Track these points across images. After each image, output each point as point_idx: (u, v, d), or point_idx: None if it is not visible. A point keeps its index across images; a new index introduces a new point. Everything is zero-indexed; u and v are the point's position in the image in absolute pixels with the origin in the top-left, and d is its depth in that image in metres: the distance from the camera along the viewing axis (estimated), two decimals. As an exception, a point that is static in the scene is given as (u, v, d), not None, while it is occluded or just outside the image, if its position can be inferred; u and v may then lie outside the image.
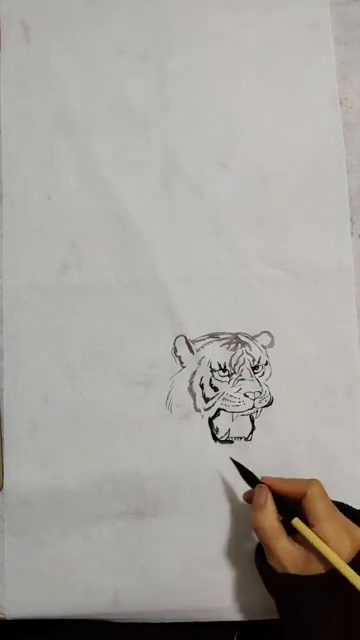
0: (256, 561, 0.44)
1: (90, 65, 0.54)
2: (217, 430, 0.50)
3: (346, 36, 0.54)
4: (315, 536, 0.39)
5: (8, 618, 0.48)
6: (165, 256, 0.52)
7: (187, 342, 0.51)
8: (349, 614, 0.38)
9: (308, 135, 0.53)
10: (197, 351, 0.51)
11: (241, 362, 0.50)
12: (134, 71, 0.54)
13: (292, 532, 0.42)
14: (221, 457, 0.49)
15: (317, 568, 0.39)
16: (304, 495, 0.41)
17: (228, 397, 0.50)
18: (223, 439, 0.50)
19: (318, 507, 0.40)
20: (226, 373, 0.50)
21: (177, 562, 0.48)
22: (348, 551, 0.39)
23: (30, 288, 0.52)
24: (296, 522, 0.41)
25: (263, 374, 0.50)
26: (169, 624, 0.48)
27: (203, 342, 0.51)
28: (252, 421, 0.50)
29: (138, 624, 0.48)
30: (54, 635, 0.50)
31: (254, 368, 0.50)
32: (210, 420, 0.50)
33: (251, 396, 0.50)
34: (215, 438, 0.50)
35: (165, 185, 0.53)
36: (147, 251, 0.52)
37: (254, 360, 0.50)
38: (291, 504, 0.42)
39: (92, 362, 0.51)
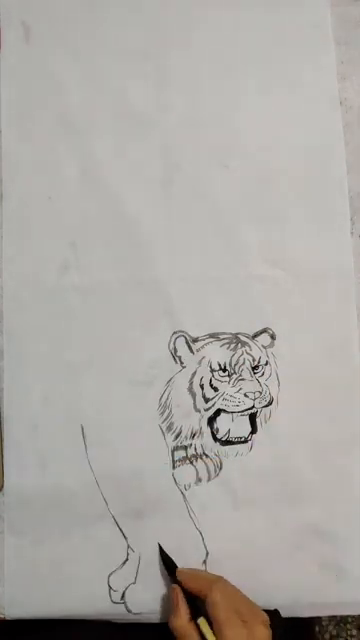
0: None
1: (90, 65, 0.54)
2: (217, 430, 0.50)
3: (346, 36, 0.54)
4: (212, 638, 0.42)
5: (8, 618, 0.48)
6: (165, 256, 0.52)
7: (187, 342, 0.51)
8: None
9: (308, 135, 0.53)
10: (197, 351, 0.51)
11: (241, 362, 0.50)
12: (134, 71, 0.54)
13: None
14: (221, 458, 0.49)
15: None
16: (206, 598, 0.43)
17: (228, 397, 0.50)
18: (223, 439, 0.50)
19: (216, 613, 0.42)
20: (226, 373, 0.50)
21: (177, 562, 0.48)
22: None
23: (30, 288, 0.52)
24: (201, 623, 0.43)
25: (263, 374, 0.50)
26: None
27: (203, 342, 0.51)
28: (252, 421, 0.50)
29: (138, 624, 0.48)
30: (54, 635, 0.50)
31: (254, 368, 0.50)
32: (210, 420, 0.50)
33: (251, 396, 0.50)
34: (215, 438, 0.50)
35: (165, 185, 0.53)
36: (147, 251, 0.52)
37: (254, 360, 0.50)
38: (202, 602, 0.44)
39: (92, 362, 0.51)
